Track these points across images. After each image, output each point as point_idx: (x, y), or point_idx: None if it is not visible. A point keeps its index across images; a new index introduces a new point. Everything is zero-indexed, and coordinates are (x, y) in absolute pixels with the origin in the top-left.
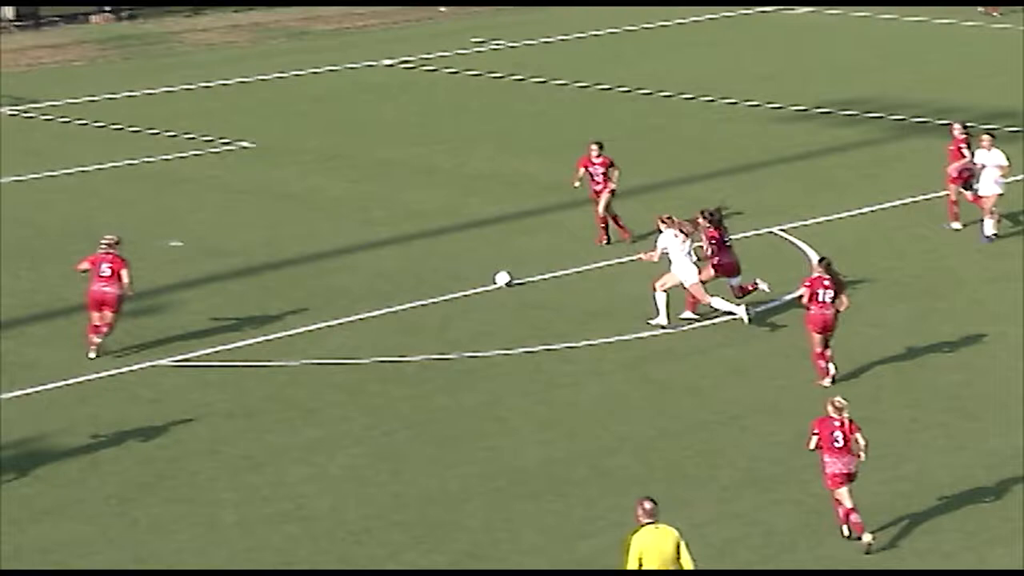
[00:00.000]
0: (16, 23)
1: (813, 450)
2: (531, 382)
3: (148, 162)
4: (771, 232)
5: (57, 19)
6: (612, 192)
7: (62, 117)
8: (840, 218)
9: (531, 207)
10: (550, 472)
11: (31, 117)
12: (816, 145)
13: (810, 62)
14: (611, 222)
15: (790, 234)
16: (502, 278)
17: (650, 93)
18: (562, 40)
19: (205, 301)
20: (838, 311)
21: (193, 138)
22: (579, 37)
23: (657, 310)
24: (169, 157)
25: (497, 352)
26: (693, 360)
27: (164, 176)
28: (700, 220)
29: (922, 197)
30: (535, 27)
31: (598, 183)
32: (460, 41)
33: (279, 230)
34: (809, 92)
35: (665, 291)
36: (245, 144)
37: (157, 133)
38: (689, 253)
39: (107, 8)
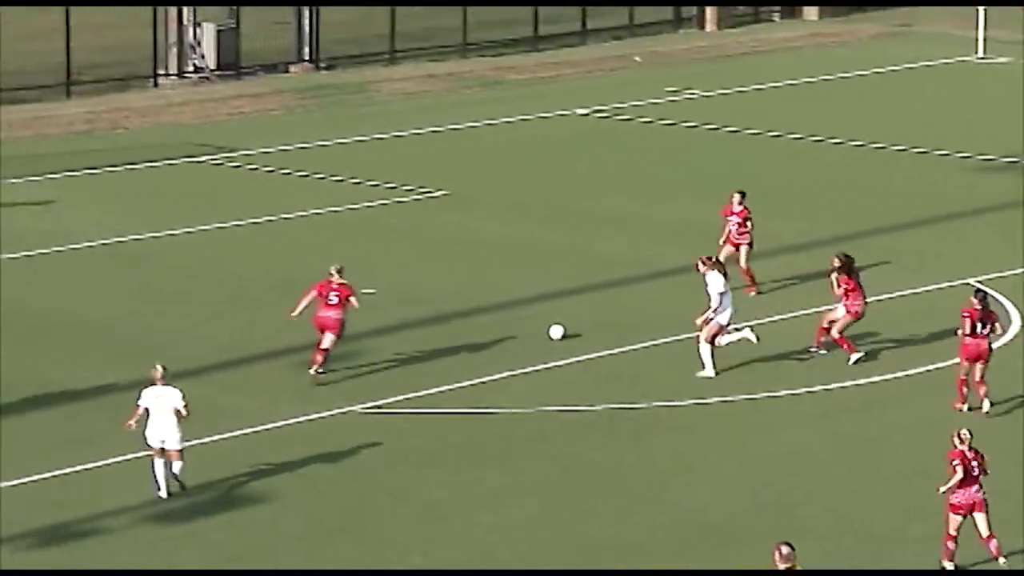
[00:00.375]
0: (217, 73)
1: (950, 486)
2: (719, 432)
3: (343, 210)
4: (967, 283)
5: (257, 69)
6: (750, 245)
7: (260, 166)
8: None
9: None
10: (736, 524)
11: (231, 166)
12: (1016, 196)
13: (1011, 111)
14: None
15: (988, 285)
16: (556, 331)
17: (842, 142)
18: (756, 89)
19: (396, 348)
20: (991, 344)
21: (387, 186)
22: (773, 86)
23: (703, 364)
24: (364, 205)
25: (685, 402)
26: (885, 412)
27: (359, 224)
28: (834, 262)
29: None
30: (729, 77)
31: (733, 233)
32: (654, 90)
33: (471, 278)
34: (1014, 142)
35: (709, 342)
36: (439, 193)
37: (352, 181)
38: (726, 293)
39: (306, 59)
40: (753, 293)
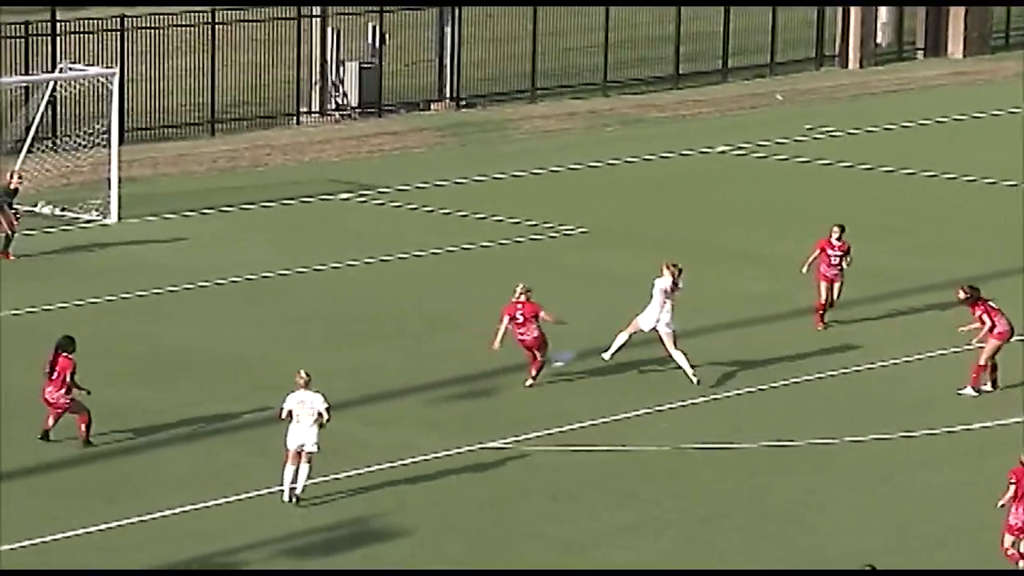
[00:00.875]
0: (359, 110)
1: (1007, 503)
2: (857, 471)
3: (484, 247)
4: None
5: (399, 107)
6: (842, 281)
7: (401, 202)
8: None
9: (859, 296)
10: (873, 562)
11: (372, 203)
12: None
13: None
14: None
15: None
16: (562, 358)
17: (974, 179)
18: (898, 127)
19: (535, 383)
20: None
21: (527, 223)
22: (915, 125)
23: (609, 346)
24: (504, 241)
25: (822, 440)
26: None
27: (498, 261)
28: (960, 295)
29: None
30: (870, 114)
31: (833, 267)
32: (794, 128)
33: (609, 314)
34: None
35: (629, 334)
36: (579, 229)
37: (492, 218)
38: (665, 304)
39: (447, 96)
40: (820, 328)
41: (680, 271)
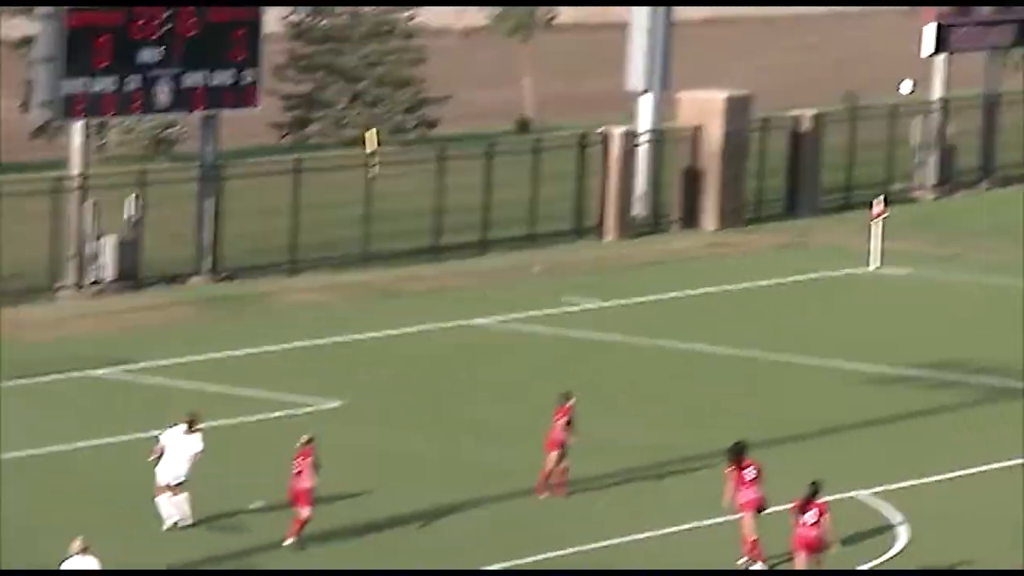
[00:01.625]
0: (117, 285)
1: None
2: None
3: (239, 423)
4: (852, 497)
5: (157, 280)
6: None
7: (158, 377)
8: (926, 483)
9: (617, 469)
10: None
11: (128, 378)
12: (906, 408)
13: (905, 323)
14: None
15: (873, 498)
16: (906, 86)
17: (735, 354)
18: (654, 300)
19: (294, 563)
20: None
21: (283, 398)
22: (671, 297)
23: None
24: (264, 417)
25: None
26: None
27: (254, 437)
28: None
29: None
30: (627, 287)
31: (564, 434)
32: (551, 301)
33: (367, 488)
34: (903, 354)
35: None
36: (335, 404)
37: (249, 393)
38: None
39: (207, 269)
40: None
41: (191, 423)
